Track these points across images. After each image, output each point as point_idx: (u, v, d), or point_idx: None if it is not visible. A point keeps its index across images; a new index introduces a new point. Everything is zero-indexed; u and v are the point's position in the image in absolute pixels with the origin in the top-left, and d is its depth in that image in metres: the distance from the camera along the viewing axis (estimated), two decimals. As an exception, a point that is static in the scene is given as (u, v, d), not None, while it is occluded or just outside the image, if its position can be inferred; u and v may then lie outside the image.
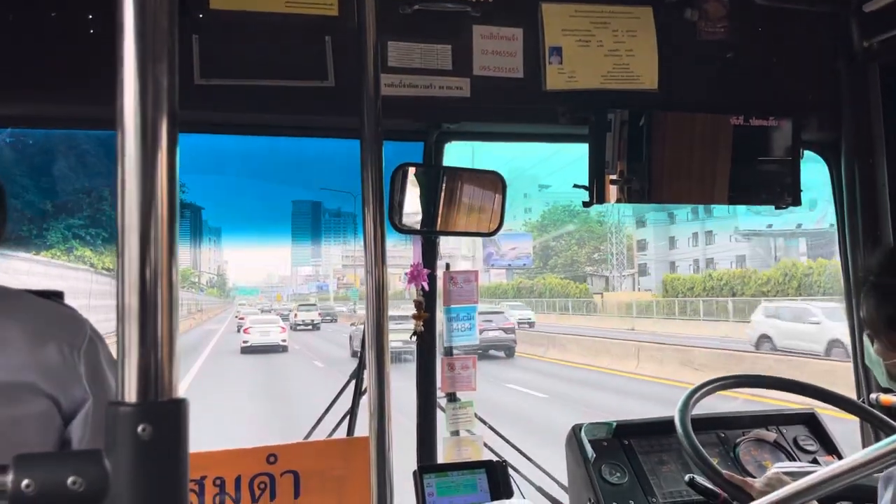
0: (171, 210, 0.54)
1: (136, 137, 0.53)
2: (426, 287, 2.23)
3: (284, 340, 26.82)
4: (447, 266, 2.34)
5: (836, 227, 2.46)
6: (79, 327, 1.34)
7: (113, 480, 0.52)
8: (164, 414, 0.53)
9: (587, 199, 2.19)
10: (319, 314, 41.96)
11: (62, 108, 1.96)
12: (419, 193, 2.17)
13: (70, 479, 0.52)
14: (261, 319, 30.90)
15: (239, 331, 29.81)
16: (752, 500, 1.54)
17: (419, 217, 2.16)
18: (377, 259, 1.24)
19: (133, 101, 0.53)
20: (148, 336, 0.53)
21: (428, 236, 2.25)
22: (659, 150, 2.21)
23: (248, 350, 25.32)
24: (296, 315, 40.23)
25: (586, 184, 2.18)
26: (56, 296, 1.39)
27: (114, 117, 0.54)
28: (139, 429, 0.52)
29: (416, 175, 2.17)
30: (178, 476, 0.54)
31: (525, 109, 2.20)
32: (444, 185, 2.17)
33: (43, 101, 1.91)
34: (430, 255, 2.27)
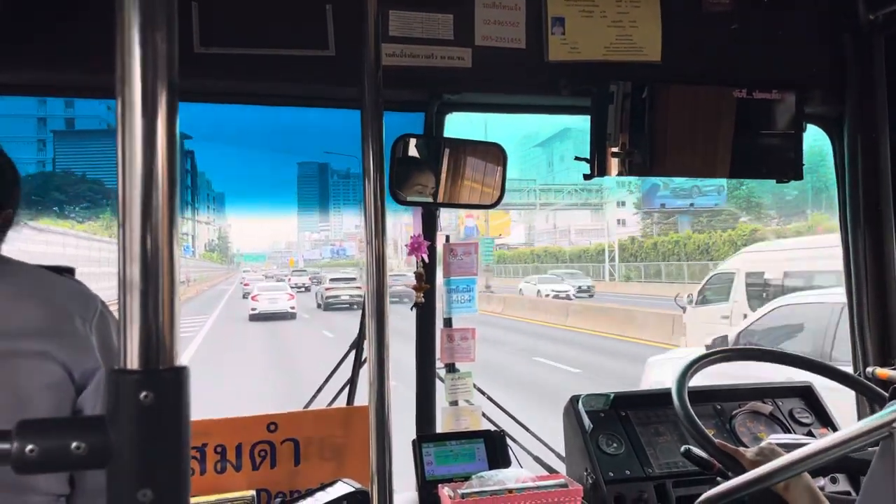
0: (172, 179, 0.54)
1: (135, 106, 0.53)
2: (426, 259, 2.23)
3: (293, 307, 26.87)
4: (447, 238, 2.35)
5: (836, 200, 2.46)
6: (90, 302, 1.41)
7: (115, 446, 0.53)
8: (166, 381, 0.54)
9: (588, 171, 2.18)
10: (310, 279, 51.42)
11: (62, 76, 1.95)
12: (420, 165, 2.16)
13: (73, 445, 0.53)
14: (268, 287, 31.37)
15: (245, 297, 31.12)
16: (745, 470, 1.55)
17: (420, 188, 2.16)
18: (377, 230, 1.24)
19: (132, 69, 0.53)
20: (149, 305, 0.53)
21: (428, 208, 2.25)
22: (661, 123, 2.19)
23: (257, 317, 25.41)
24: (289, 279, 47.59)
25: (587, 156, 2.17)
26: (67, 271, 1.46)
27: (113, 86, 0.54)
28: (141, 395, 0.53)
29: (416, 146, 2.16)
30: (180, 442, 0.55)
31: (527, 80, 2.18)
32: (445, 156, 2.16)
33: (43, 69, 1.89)
34: (430, 226, 2.27)
